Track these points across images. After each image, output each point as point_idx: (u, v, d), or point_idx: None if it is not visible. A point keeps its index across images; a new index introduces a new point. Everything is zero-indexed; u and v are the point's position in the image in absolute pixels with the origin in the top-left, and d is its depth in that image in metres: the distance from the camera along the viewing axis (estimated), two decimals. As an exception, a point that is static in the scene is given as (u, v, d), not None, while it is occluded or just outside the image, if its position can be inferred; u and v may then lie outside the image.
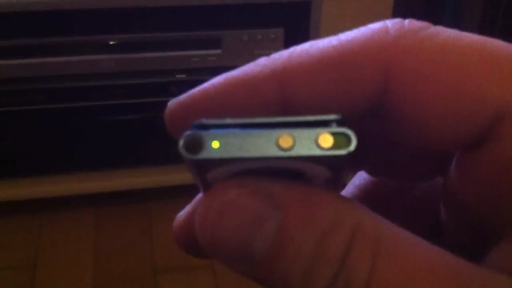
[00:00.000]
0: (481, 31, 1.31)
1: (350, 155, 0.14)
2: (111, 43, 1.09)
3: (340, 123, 0.15)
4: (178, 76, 1.13)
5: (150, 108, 1.15)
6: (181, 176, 1.20)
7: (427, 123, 0.16)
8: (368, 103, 0.16)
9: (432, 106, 0.15)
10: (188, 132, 0.15)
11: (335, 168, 0.16)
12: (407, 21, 0.16)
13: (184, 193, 1.28)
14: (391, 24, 0.16)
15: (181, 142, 0.15)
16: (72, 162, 1.20)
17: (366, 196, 0.22)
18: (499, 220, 0.16)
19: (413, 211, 0.21)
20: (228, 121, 0.15)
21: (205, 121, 0.15)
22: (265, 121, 0.15)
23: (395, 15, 1.17)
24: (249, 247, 0.15)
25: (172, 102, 0.18)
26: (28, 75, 1.08)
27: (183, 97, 0.18)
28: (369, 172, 0.21)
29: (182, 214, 0.20)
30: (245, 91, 0.17)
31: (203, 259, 0.19)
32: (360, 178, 0.22)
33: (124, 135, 1.18)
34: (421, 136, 0.16)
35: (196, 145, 0.15)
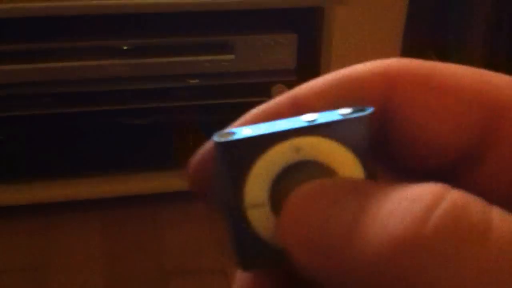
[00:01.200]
0: (490, 32, 1.30)
1: (369, 117, 0.16)
2: (124, 48, 1.09)
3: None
4: (190, 81, 1.13)
5: (161, 112, 1.16)
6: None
7: (425, 129, 0.17)
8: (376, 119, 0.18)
9: (430, 113, 0.17)
10: (219, 133, 0.16)
11: (359, 151, 0.16)
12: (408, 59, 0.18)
13: (192, 198, 1.28)
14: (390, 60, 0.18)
15: (214, 137, 0.16)
16: (80, 166, 1.20)
17: None
18: None
19: None
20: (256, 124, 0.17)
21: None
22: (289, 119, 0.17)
23: (407, 20, 1.17)
24: (329, 229, 0.15)
25: (190, 162, 0.19)
26: (37, 79, 1.09)
27: (197, 154, 0.19)
28: None
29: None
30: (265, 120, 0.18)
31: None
32: None
33: (134, 139, 1.19)
34: (421, 153, 0.17)
35: (228, 135, 0.16)
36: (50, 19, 1.03)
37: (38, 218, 1.24)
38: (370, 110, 0.16)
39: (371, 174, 0.17)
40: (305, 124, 0.16)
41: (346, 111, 0.16)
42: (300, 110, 0.18)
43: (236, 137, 0.16)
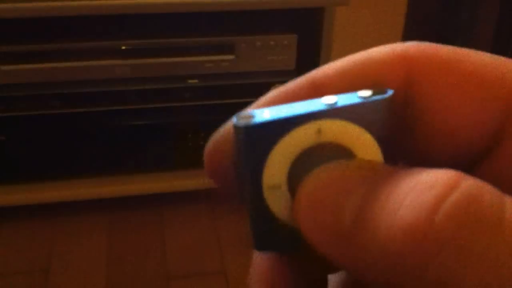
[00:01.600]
0: (496, 35, 1.30)
1: (389, 102, 0.16)
2: (124, 48, 1.09)
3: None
4: (191, 81, 1.13)
5: (164, 113, 1.16)
6: (194, 181, 1.20)
7: (443, 120, 0.17)
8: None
9: (448, 104, 0.17)
10: (238, 115, 0.16)
11: (383, 140, 0.17)
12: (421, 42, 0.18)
13: (197, 199, 1.29)
14: (408, 42, 0.18)
15: (234, 119, 0.16)
16: (85, 167, 1.20)
17: None
18: None
19: None
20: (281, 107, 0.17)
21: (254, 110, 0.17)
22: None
23: (408, 21, 1.17)
24: (340, 213, 0.15)
25: (206, 149, 0.19)
26: (40, 80, 1.09)
27: (214, 140, 0.18)
28: None
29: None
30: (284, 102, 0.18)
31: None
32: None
33: (138, 140, 1.19)
34: (436, 134, 0.17)
35: (249, 118, 0.16)
36: (49, 19, 1.03)
37: (41, 220, 1.24)
38: (390, 92, 0.16)
39: (389, 158, 0.17)
40: (325, 107, 0.16)
41: (366, 93, 0.16)
42: (318, 93, 0.18)
43: (256, 120, 0.16)
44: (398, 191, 0.14)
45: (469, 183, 0.14)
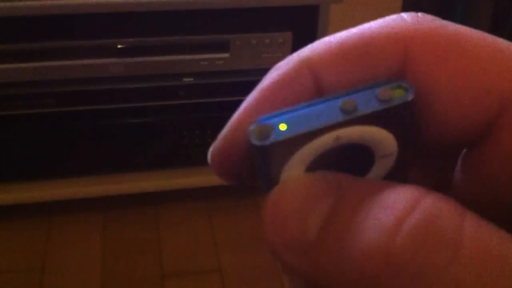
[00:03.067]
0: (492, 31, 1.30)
1: (412, 103, 0.15)
2: (119, 46, 1.09)
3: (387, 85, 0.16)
4: (186, 79, 1.13)
5: (159, 111, 1.15)
6: (189, 179, 1.20)
7: (438, 105, 0.16)
8: None
9: (444, 90, 0.16)
10: (254, 125, 0.15)
11: (400, 135, 0.16)
12: (420, 14, 0.17)
13: (193, 196, 1.29)
14: (406, 15, 0.17)
15: (251, 134, 0.15)
16: (80, 165, 1.20)
17: None
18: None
19: None
20: (290, 108, 0.16)
21: (266, 115, 0.16)
22: (325, 99, 0.16)
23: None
24: (304, 225, 0.15)
25: (213, 150, 0.18)
26: (35, 79, 1.09)
27: (221, 140, 0.18)
28: None
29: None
30: (285, 91, 0.17)
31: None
32: None
33: (132, 138, 1.19)
34: (431, 121, 0.17)
35: (265, 132, 0.15)
36: (44, 18, 1.03)
37: (36, 218, 1.24)
38: (411, 94, 0.15)
39: (405, 158, 0.17)
40: (345, 118, 0.15)
41: (386, 95, 0.15)
42: (319, 80, 0.17)
43: (274, 138, 0.15)
44: (361, 209, 0.14)
45: (429, 202, 0.14)
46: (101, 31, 1.10)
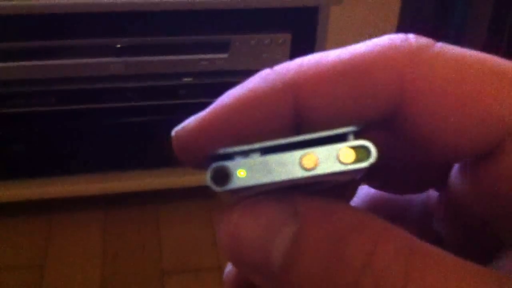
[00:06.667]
0: (489, 38, 1.31)
1: (371, 166, 0.15)
2: (119, 46, 1.09)
3: (357, 134, 0.16)
4: (185, 79, 1.14)
5: (158, 110, 1.16)
6: (189, 178, 1.20)
7: (438, 135, 0.16)
8: (382, 115, 0.16)
9: (444, 119, 0.16)
10: (213, 165, 0.15)
11: (357, 175, 0.16)
12: (412, 36, 0.17)
13: (192, 195, 1.29)
14: (398, 39, 0.17)
15: (208, 176, 0.15)
16: (81, 164, 1.20)
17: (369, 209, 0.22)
18: (505, 228, 0.16)
19: (413, 225, 0.21)
20: (250, 147, 0.16)
21: (228, 149, 0.16)
22: (286, 142, 0.16)
23: (401, 21, 1.17)
24: (268, 253, 0.15)
25: (180, 130, 0.17)
26: (36, 77, 1.09)
27: (191, 123, 0.17)
28: (369, 184, 0.22)
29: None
30: (257, 111, 0.16)
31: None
32: (361, 192, 0.22)
33: (132, 137, 1.19)
34: (430, 147, 0.17)
35: (223, 176, 0.15)
36: (44, 17, 1.03)
37: (37, 216, 1.25)
38: (373, 158, 0.15)
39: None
40: (304, 174, 0.15)
41: (346, 156, 0.15)
42: (301, 106, 0.16)
43: (231, 186, 0.15)
44: (322, 240, 0.15)
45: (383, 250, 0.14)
46: (101, 30, 1.10)
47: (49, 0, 1.00)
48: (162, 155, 1.21)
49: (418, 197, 0.21)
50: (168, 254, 1.19)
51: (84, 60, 1.09)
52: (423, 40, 0.16)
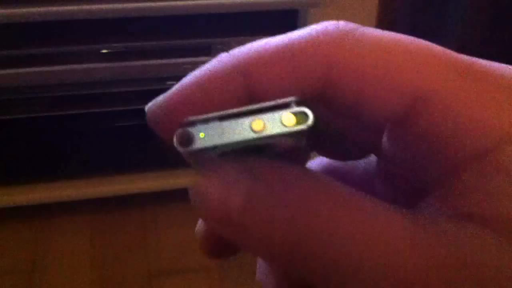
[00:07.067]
0: (464, 35, 1.34)
1: (310, 128, 0.18)
2: (103, 51, 1.11)
3: (299, 103, 0.18)
4: (169, 83, 1.15)
5: (143, 115, 1.17)
6: (176, 181, 1.22)
7: (361, 105, 0.19)
8: (316, 91, 0.19)
9: (364, 91, 0.19)
10: (179, 130, 0.19)
11: (300, 138, 0.19)
12: (342, 23, 0.20)
13: (180, 198, 1.29)
14: (331, 26, 0.20)
15: (175, 139, 0.19)
16: (68, 169, 1.22)
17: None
18: (426, 177, 0.19)
19: (357, 187, 0.24)
20: (210, 115, 0.19)
21: (191, 118, 0.19)
22: (239, 111, 0.19)
23: (379, 22, 1.20)
24: (227, 208, 0.18)
25: (151, 105, 0.21)
26: (22, 84, 1.10)
27: (160, 99, 0.20)
28: (320, 153, 0.25)
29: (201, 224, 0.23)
30: (214, 88, 0.19)
31: (226, 258, 0.24)
32: (316, 161, 0.26)
33: (118, 141, 1.21)
34: (357, 115, 0.20)
35: (188, 139, 0.19)
36: (30, 25, 1.05)
37: (26, 221, 1.25)
38: (311, 121, 0.18)
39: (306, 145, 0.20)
40: (254, 136, 0.18)
41: (288, 120, 0.18)
42: (251, 85, 0.19)
43: (193, 146, 0.18)
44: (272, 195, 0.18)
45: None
46: (84, 37, 1.12)
47: (35, 8, 1.01)
48: (150, 158, 1.23)
49: (360, 163, 0.25)
50: (156, 257, 1.19)
51: (67, 67, 1.10)
52: (350, 26, 0.20)
